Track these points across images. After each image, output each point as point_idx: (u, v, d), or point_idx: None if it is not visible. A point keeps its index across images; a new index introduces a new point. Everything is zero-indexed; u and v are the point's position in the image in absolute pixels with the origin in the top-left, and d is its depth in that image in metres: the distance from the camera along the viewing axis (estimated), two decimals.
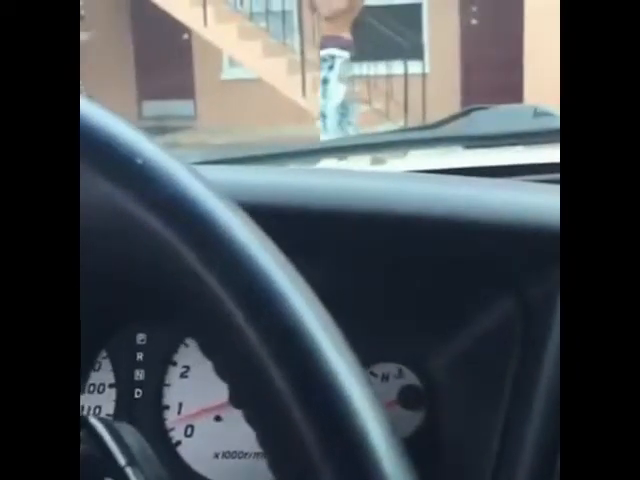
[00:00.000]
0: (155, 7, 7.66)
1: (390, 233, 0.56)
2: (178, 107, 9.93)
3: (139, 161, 0.27)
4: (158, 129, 9.29)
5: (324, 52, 6.18)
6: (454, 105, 8.61)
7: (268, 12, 7.67)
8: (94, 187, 0.27)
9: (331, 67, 6.16)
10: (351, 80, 6.96)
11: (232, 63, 8.85)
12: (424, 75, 7.54)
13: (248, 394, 0.27)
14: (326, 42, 6.23)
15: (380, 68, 7.38)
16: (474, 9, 8.51)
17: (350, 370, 0.27)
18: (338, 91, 6.22)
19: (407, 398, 0.63)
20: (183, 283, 0.27)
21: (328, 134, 6.19)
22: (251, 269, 0.26)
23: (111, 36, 8.37)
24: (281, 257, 0.28)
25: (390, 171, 0.71)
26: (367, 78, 7.50)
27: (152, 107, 10.15)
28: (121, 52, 9.50)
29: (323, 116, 6.19)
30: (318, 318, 0.27)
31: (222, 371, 0.28)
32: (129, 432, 0.34)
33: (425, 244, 0.56)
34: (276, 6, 7.52)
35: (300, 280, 0.28)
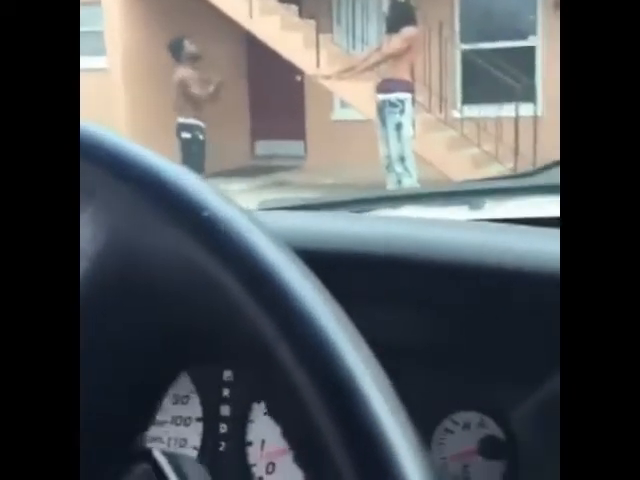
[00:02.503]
0: (270, 50, 7.88)
1: (471, 284, 0.56)
2: (289, 147, 10.13)
3: (205, 214, 0.28)
4: (269, 168, 9.52)
5: (392, 96, 6.23)
6: None
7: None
8: (163, 237, 0.29)
9: (402, 111, 6.20)
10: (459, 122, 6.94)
11: (343, 104, 8.97)
12: (536, 118, 7.42)
13: (299, 437, 0.28)
14: (389, 85, 6.28)
15: (490, 110, 7.32)
16: None
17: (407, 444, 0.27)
18: (410, 134, 6.27)
19: (488, 448, 0.62)
20: (239, 326, 0.28)
21: (411, 177, 6.24)
22: (313, 326, 0.27)
23: (228, 79, 8.66)
24: (336, 308, 0.29)
25: (470, 222, 0.71)
26: (477, 120, 7.46)
27: (264, 146, 10.39)
28: (237, 94, 9.80)
29: (402, 159, 6.24)
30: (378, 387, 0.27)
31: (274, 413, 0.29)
32: (192, 466, 0.35)
33: (504, 296, 0.56)
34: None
35: (356, 336, 0.29)
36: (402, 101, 6.25)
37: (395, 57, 6.30)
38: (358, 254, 0.57)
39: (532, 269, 0.56)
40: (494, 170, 7.17)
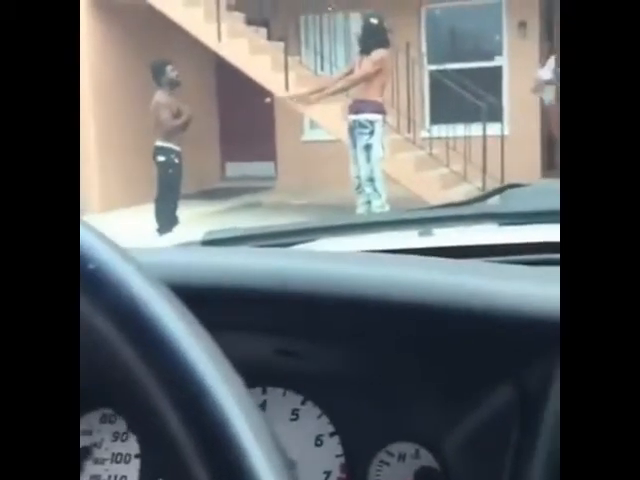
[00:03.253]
0: (239, 73, 7.91)
1: (406, 320, 0.57)
2: (259, 168, 10.15)
3: (91, 266, 0.30)
4: (240, 189, 9.52)
5: (362, 117, 6.31)
6: (534, 167, 8.52)
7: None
8: None
9: (372, 132, 6.27)
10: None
11: (313, 125, 9.01)
12: (503, 137, 7.50)
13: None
14: (359, 106, 6.36)
15: (458, 130, 7.40)
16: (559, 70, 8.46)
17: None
18: (380, 155, 6.33)
19: (423, 479, 0.63)
20: (120, 372, 0.30)
21: (380, 198, 6.29)
22: (185, 368, 0.28)
23: (197, 101, 8.66)
24: (216, 353, 0.30)
25: (403, 256, 0.72)
26: (445, 140, 7.53)
27: (235, 168, 10.40)
28: (206, 116, 9.81)
29: (371, 180, 6.30)
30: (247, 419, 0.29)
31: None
32: None
33: (433, 331, 0.57)
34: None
35: (231, 375, 0.30)
36: (372, 122, 6.30)
37: (366, 79, 6.37)
38: (283, 289, 0.57)
39: (451, 301, 0.57)
40: (463, 190, 7.23)
